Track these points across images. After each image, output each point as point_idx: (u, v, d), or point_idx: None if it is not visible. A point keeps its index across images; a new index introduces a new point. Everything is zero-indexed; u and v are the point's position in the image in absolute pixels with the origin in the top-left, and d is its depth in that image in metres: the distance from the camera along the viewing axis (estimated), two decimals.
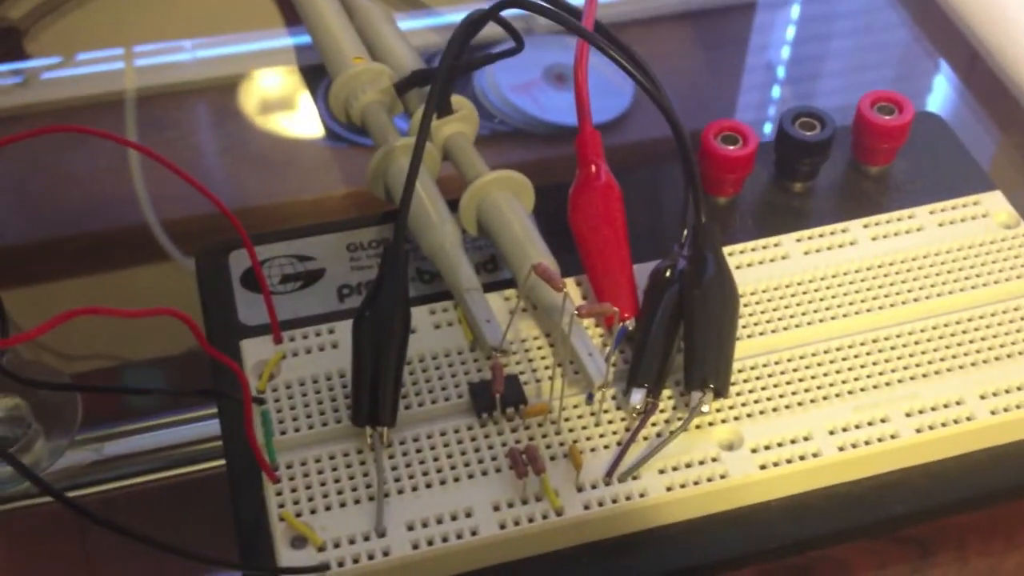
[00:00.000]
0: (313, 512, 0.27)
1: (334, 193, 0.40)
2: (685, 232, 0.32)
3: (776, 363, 0.31)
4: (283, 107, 0.43)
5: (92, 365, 0.35)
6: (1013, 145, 0.43)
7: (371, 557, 0.26)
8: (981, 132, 0.43)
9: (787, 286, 0.33)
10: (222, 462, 0.29)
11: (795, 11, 0.48)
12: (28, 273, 0.37)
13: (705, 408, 0.29)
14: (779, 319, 0.32)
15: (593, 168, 0.33)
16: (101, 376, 0.34)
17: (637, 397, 0.29)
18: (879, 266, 0.33)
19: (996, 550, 0.30)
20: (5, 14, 0.44)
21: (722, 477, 0.28)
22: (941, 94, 0.44)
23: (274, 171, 0.41)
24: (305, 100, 0.43)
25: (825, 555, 0.29)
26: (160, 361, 0.35)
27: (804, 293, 0.32)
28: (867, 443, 0.29)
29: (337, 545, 0.27)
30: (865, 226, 0.34)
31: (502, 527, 0.27)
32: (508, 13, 0.33)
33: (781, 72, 0.46)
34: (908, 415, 0.29)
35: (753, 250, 0.34)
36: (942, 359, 0.31)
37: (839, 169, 0.37)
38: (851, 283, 0.33)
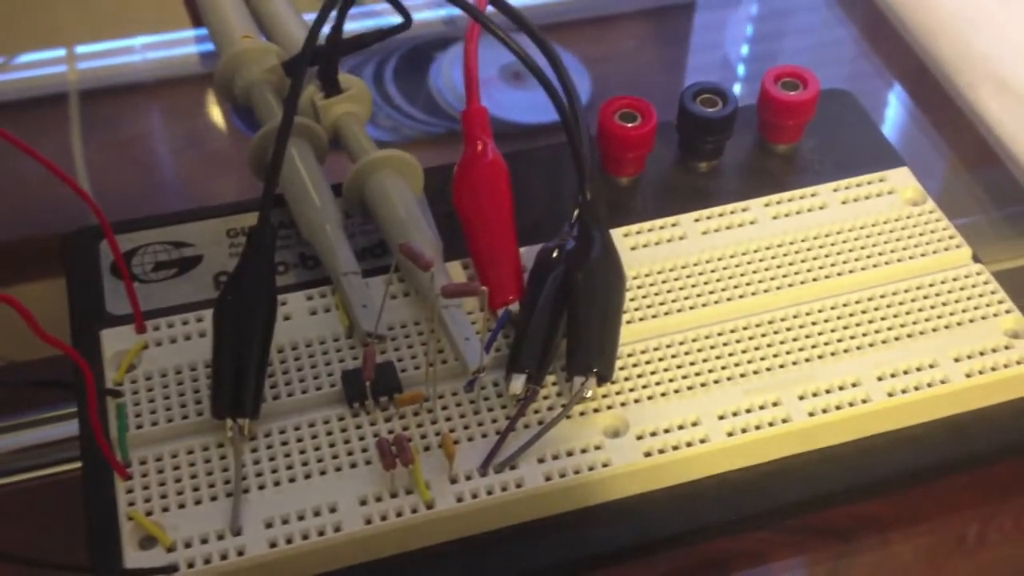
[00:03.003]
0: (165, 510, 0.25)
1: None
2: (576, 213, 0.30)
3: (667, 346, 0.29)
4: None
5: None
6: (932, 124, 0.42)
7: (224, 557, 0.25)
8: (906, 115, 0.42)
9: (683, 267, 0.31)
10: None
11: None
12: None
13: (588, 394, 0.27)
14: (672, 301, 0.30)
15: (479, 145, 0.31)
16: None
17: (517, 383, 0.28)
18: (779, 245, 0.32)
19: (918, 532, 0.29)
20: None
21: (605, 466, 0.27)
22: (894, 109, 0.43)
23: (234, 170, 0.39)
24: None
25: (743, 548, 0.28)
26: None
27: (700, 274, 0.31)
28: (758, 428, 0.28)
29: (188, 545, 0.25)
30: (767, 205, 0.33)
31: (368, 522, 0.25)
32: None
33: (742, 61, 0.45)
34: (801, 398, 0.28)
35: (650, 230, 0.32)
36: (839, 340, 0.29)
37: (746, 148, 0.36)
38: (749, 263, 0.31)
